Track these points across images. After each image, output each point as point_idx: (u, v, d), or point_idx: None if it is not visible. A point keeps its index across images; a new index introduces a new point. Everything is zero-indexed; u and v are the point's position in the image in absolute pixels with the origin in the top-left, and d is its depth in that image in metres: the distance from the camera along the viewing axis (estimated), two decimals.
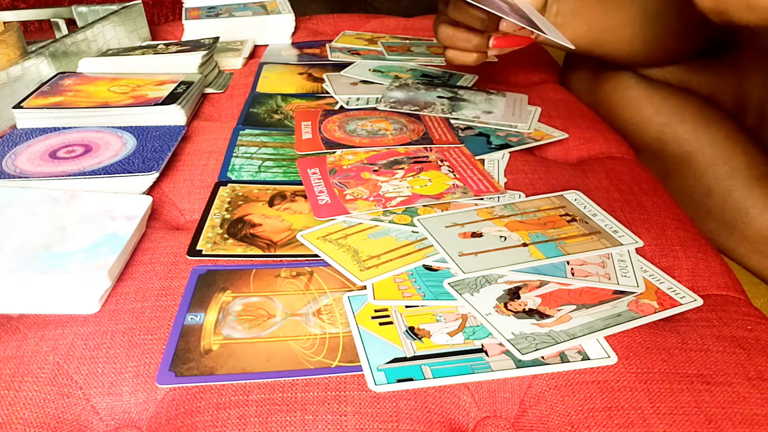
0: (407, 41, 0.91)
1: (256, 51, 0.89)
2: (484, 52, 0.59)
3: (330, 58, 0.84)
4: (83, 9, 0.89)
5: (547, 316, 0.39)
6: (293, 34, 0.94)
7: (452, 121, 0.65)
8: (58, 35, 0.90)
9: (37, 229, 0.43)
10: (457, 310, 0.40)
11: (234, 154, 0.59)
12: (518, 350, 0.36)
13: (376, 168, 0.55)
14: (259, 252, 0.45)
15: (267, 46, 0.91)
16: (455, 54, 0.60)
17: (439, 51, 0.87)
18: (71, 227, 0.43)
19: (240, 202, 0.51)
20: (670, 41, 0.65)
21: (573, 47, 0.55)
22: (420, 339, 0.37)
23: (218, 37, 0.81)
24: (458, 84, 0.75)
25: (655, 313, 0.40)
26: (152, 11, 1.10)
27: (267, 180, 0.55)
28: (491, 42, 0.57)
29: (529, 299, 0.40)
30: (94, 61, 0.73)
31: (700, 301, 0.41)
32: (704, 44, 0.67)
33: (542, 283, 0.42)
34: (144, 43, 0.86)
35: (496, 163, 0.57)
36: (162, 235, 0.47)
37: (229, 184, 0.54)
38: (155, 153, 0.54)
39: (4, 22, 0.71)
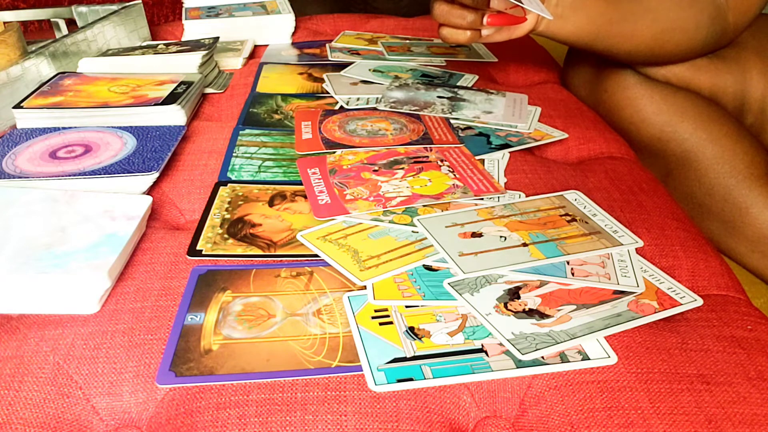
0: (407, 41, 0.91)
1: (256, 51, 0.89)
2: (478, 30, 0.59)
3: (330, 58, 0.84)
4: (83, 9, 0.89)
5: (547, 316, 0.39)
6: (293, 34, 0.94)
7: (452, 121, 0.65)
8: (58, 35, 0.90)
9: (37, 229, 0.43)
10: (457, 310, 0.40)
11: (234, 154, 0.59)
12: (518, 350, 0.36)
13: (376, 168, 0.55)
14: (259, 252, 0.45)
15: (267, 46, 0.91)
16: (449, 32, 0.60)
17: (440, 51, 0.87)
18: (71, 227, 0.43)
19: (240, 202, 0.51)
20: (672, 38, 0.65)
21: (551, 17, 0.55)
22: (420, 339, 0.37)
23: (218, 37, 0.81)
24: (458, 84, 0.75)
25: (655, 313, 0.40)
26: (152, 11, 1.10)
27: (267, 180, 0.55)
28: (485, 19, 0.57)
29: (529, 299, 0.40)
30: (94, 61, 0.73)
31: (700, 301, 0.41)
32: (706, 43, 0.67)
33: (542, 283, 0.42)
34: (144, 43, 0.86)
35: (496, 163, 0.57)
36: (162, 235, 0.47)
37: (229, 184, 0.54)
38: (155, 153, 0.54)
39: (4, 22, 0.71)
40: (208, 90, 0.74)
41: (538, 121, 0.67)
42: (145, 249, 0.46)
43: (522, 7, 0.53)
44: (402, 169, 0.55)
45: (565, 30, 0.63)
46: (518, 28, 0.60)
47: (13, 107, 0.61)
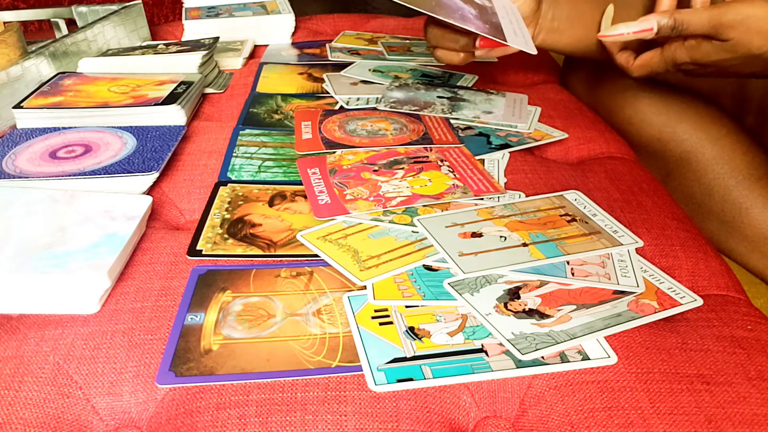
0: (407, 41, 0.91)
1: (256, 51, 0.89)
2: (470, 51, 0.59)
3: (330, 58, 0.84)
4: (83, 9, 0.89)
5: (547, 316, 0.39)
6: (293, 34, 0.94)
7: (452, 121, 0.65)
8: (58, 35, 0.90)
9: (37, 229, 0.43)
10: (457, 310, 0.40)
11: (234, 154, 0.59)
12: (518, 350, 0.36)
13: (376, 168, 0.55)
14: (259, 252, 0.45)
15: (267, 46, 0.91)
16: (443, 53, 0.61)
17: None
18: (71, 227, 0.43)
19: (240, 202, 0.51)
20: None
21: (535, 53, 0.56)
22: (420, 339, 0.37)
23: (218, 37, 0.81)
24: (458, 84, 0.75)
25: (655, 313, 0.40)
26: (152, 11, 1.10)
27: (267, 180, 0.55)
28: (477, 42, 0.57)
29: (529, 299, 0.40)
30: (94, 61, 0.73)
31: (700, 301, 0.41)
32: None
33: (542, 283, 0.42)
34: (144, 43, 0.86)
35: (496, 163, 0.57)
36: (162, 235, 0.47)
37: (229, 184, 0.54)
38: (155, 153, 0.54)
39: (4, 22, 0.71)
40: (208, 90, 0.74)
41: (538, 121, 0.67)
42: (145, 249, 0.46)
43: (494, 39, 0.53)
44: (402, 169, 0.55)
45: (562, 43, 0.63)
46: (510, 47, 0.60)
47: (13, 107, 0.61)
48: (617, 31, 0.52)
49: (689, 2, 0.54)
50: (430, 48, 0.63)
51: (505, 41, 0.53)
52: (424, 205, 0.50)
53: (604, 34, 0.53)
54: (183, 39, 0.91)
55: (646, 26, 0.51)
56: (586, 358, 0.36)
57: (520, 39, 0.54)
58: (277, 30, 0.93)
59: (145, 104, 0.61)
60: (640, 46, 0.57)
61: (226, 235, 0.47)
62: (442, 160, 0.57)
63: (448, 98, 0.70)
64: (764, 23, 0.46)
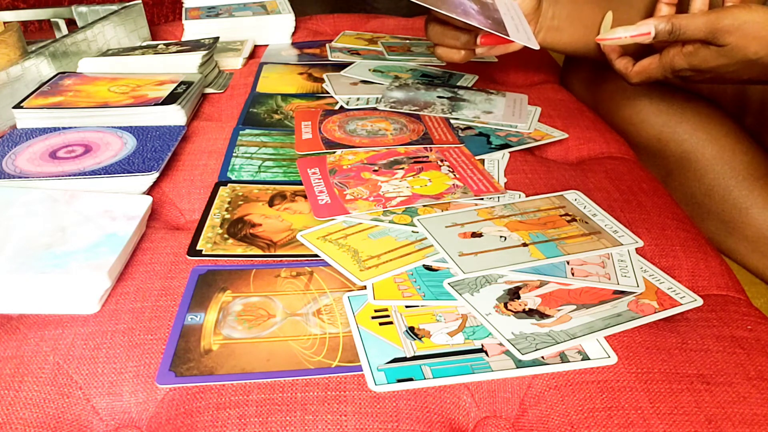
0: (407, 41, 0.91)
1: (256, 51, 0.89)
2: (471, 49, 0.60)
3: (330, 58, 0.84)
4: (83, 9, 0.89)
5: (547, 316, 0.39)
6: (293, 34, 0.94)
7: (452, 121, 0.65)
8: (58, 35, 0.90)
9: (37, 229, 0.43)
10: (457, 310, 0.40)
11: (234, 154, 0.59)
12: (518, 350, 0.36)
13: (376, 168, 0.55)
14: (259, 252, 0.45)
15: (267, 46, 0.91)
16: (444, 51, 0.61)
17: None
18: (71, 227, 0.43)
19: (240, 202, 0.51)
20: None
21: (538, 47, 0.56)
22: (420, 339, 0.37)
23: (218, 37, 0.81)
24: (458, 84, 0.75)
25: (655, 313, 0.40)
26: (152, 11, 1.10)
27: (267, 180, 0.55)
28: (478, 40, 0.57)
29: (529, 299, 0.40)
30: (94, 61, 0.73)
31: (700, 301, 0.41)
32: None
33: (542, 283, 0.42)
34: (144, 43, 0.86)
35: (496, 163, 0.57)
36: (162, 235, 0.47)
37: (229, 184, 0.54)
38: (155, 153, 0.54)
39: (4, 22, 0.71)
40: (208, 90, 0.74)
41: (538, 121, 0.67)
42: (145, 249, 0.46)
43: (496, 33, 0.53)
44: (402, 169, 0.55)
45: (562, 42, 0.64)
46: (512, 45, 0.60)
47: (13, 107, 0.61)
48: (615, 35, 0.52)
49: (688, 9, 0.54)
50: (431, 47, 0.63)
51: (508, 36, 0.53)
52: (424, 205, 0.50)
53: (602, 37, 0.53)
54: (183, 39, 0.91)
55: (643, 30, 0.51)
56: (586, 358, 0.36)
57: (522, 34, 0.54)
58: (277, 30, 0.93)
59: (145, 104, 0.61)
60: (638, 53, 0.58)
61: (226, 235, 0.47)
62: (442, 160, 0.57)
63: (448, 98, 0.70)
64: (761, 28, 0.47)
